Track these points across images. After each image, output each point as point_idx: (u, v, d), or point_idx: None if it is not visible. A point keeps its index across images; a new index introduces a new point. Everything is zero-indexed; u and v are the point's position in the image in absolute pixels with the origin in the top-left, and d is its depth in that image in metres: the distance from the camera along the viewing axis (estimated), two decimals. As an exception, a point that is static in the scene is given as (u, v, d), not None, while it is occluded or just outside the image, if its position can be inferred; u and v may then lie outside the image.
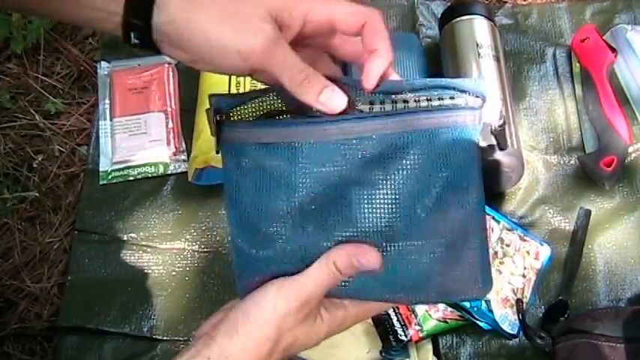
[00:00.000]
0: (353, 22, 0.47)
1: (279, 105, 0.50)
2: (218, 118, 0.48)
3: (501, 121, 0.49)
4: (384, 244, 0.47)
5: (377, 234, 0.47)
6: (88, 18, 0.46)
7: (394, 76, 0.49)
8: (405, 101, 0.47)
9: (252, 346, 0.47)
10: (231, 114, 0.49)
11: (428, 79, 0.47)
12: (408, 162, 0.46)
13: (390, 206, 0.46)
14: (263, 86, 0.49)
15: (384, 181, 0.46)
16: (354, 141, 0.46)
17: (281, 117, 0.50)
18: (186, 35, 0.45)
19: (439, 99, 0.47)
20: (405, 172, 0.46)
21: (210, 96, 0.49)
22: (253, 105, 0.50)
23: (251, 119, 0.50)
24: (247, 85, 0.89)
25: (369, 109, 0.48)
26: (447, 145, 0.46)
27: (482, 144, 0.50)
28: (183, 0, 0.44)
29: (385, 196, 0.46)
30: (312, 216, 0.47)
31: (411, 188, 0.46)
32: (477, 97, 0.46)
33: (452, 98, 0.47)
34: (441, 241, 0.47)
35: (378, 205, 0.46)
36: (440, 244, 0.47)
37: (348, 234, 0.47)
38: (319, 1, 0.47)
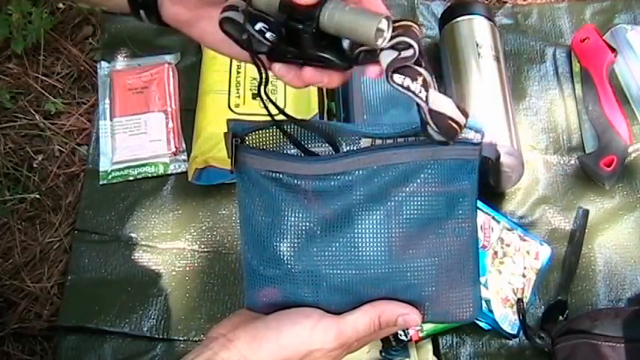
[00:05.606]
0: None
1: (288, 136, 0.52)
2: (235, 142, 0.51)
3: (497, 155, 0.51)
4: (384, 265, 0.49)
5: (377, 255, 0.49)
6: None
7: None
8: (405, 136, 0.50)
9: None
10: (246, 138, 0.52)
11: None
12: (409, 190, 0.49)
13: (390, 230, 0.49)
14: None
15: (386, 208, 0.49)
16: (357, 172, 0.49)
17: (290, 150, 0.52)
18: None
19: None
20: (406, 199, 0.49)
21: (229, 120, 0.52)
22: (266, 133, 0.52)
23: (262, 147, 0.52)
24: (247, 84, 0.89)
25: (371, 143, 0.50)
26: (447, 175, 0.49)
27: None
28: None
29: (386, 221, 0.49)
30: (318, 240, 0.50)
31: (412, 215, 0.49)
32: (477, 132, 0.49)
33: None
34: (437, 265, 0.50)
35: (379, 229, 0.49)
36: (436, 267, 0.50)
37: (350, 257, 0.49)
38: None
